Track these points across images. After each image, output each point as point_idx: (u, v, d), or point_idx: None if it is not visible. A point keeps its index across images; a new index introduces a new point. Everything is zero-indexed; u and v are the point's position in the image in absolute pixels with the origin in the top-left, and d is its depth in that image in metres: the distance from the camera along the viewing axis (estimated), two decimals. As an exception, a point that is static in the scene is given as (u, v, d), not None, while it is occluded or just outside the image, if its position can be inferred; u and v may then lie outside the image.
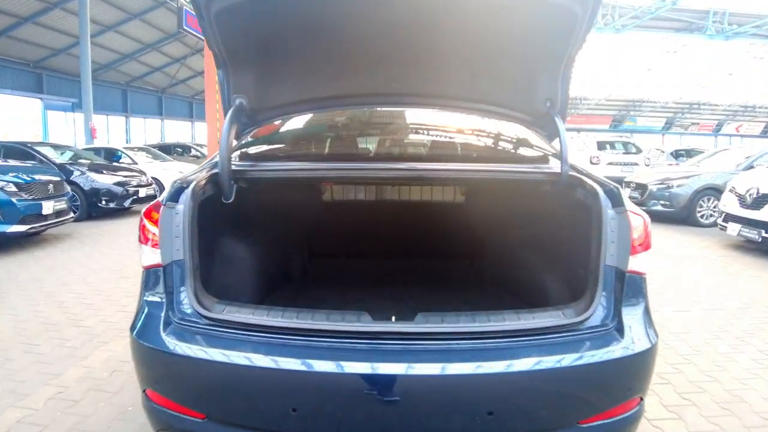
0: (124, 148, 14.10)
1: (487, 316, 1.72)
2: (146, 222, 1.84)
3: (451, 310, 1.85)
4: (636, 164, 15.93)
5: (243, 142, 2.41)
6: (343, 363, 1.55)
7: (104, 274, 5.59)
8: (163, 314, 1.74)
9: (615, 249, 1.78)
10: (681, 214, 9.46)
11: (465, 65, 2.32)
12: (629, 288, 1.77)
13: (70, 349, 3.45)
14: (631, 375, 1.70)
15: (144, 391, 1.79)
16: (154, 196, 10.54)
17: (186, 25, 18.21)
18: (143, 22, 22.99)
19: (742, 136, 39.59)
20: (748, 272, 5.93)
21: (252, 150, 2.42)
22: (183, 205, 1.82)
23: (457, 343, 1.61)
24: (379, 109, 2.90)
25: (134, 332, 1.75)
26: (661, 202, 9.67)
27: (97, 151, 12.75)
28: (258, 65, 2.27)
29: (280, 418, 1.60)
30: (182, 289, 1.78)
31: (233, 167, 2.08)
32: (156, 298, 1.79)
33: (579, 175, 2.02)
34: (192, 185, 1.87)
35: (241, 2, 1.95)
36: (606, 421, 1.67)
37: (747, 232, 6.71)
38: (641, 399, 1.75)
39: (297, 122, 2.86)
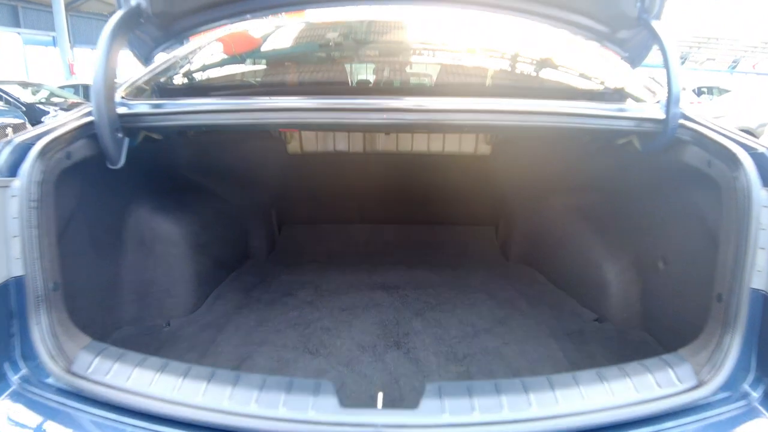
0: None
1: (550, 384, 0.98)
2: None
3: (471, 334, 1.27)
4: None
5: (152, 69, 1.59)
6: None
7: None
8: None
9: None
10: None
11: None
12: None
13: None
14: None
15: None
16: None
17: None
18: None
19: (758, 74, 37.16)
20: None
21: (162, 82, 1.62)
22: (22, 182, 1.06)
23: None
24: (368, 16, 1.99)
25: None
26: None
27: (75, 88, 11.75)
28: None
29: None
30: (24, 326, 1.05)
31: (120, 109, 1.28)
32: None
33: (697, 125, 1.21)
34: (39, 147, 1.10)
35: None
36: None
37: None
38: None
39: (246, 41, 2.01)
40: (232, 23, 1.70)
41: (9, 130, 6.33)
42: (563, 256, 2.07)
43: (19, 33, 20.85)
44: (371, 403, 0.93)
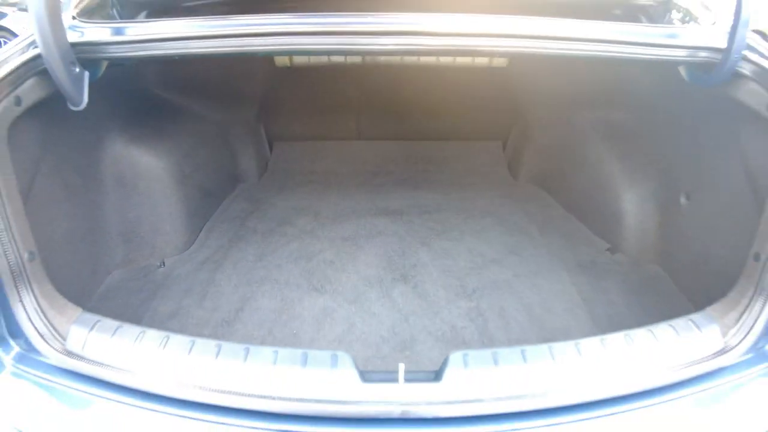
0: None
1: (576, 347, 0.91)
2: None
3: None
4: None
5: None
6: None
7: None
8: None
9: None
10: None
11: None
12: None
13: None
14: None
15: None
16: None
17: None
18: None
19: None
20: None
21: None
22: None
23: (529, 428, 0.84)
24: None
25: None
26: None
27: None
28: None
29: None
30: (4, 304, 0.96)
31: (72, 36, 1.03)
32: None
33: (762, 59, 1.01)
34: None
35: None
36: None
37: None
38: None
39: None
40: None
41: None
42: (578, 179, 1.96)
43: None
44: (392, 376, 0.87)
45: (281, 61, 2.07)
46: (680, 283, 1.47)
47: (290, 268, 1.69)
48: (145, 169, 1.64)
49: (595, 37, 1.03)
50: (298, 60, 2.07)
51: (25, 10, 6.94)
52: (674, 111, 1.49)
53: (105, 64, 1.17)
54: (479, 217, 2.01)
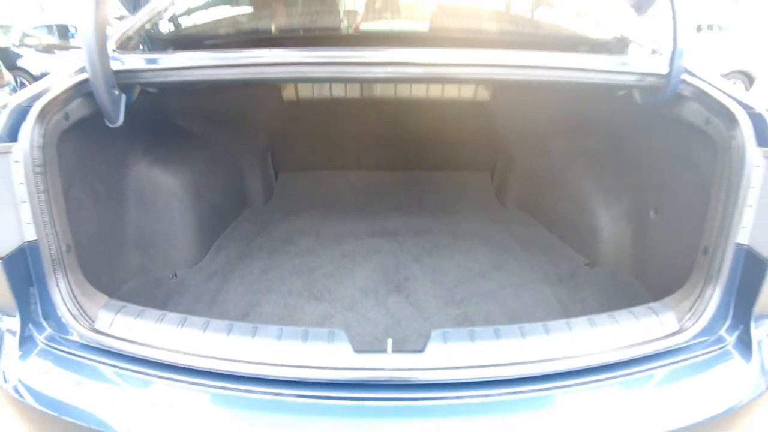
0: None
1: (545, 330, 1.05)
2: None
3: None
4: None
5: (140, 20, 1.53)
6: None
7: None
8: (18, 329, 1.08)
9: (753, 218, 1.06)
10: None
11: None
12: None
13: None
14: (757, 418, 1.08)
15: None
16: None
17: None
18: None
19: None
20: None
21: (153, 31, 1.57)
22: (24, 147, 1.06)
23: (500, 394, 0.97)
24: None
25: None
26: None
27: (49, 28, 11.18)
28: None
29: None
30: (44, 290, 1.09)
31: (115, 65, 1.24)
32: (3, 314, 1.10)
33: (699, 81, 1.21)
34: (37, 109, 1.08)
35: None
36: None
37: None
38: None
39: None
40: None
41: (-15, 75, 6.10)
42: (558, 201, 2.12)
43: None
44: (382, 348, 1.00)
45: (288, 95, 2.27)
46: (652, 289, 1.60)
47: (293, 280, 1.82)
48: (164, 187, 1.80)
49: (563, 66, 1.22)
50: (304, 94, 2.27)
51: (42, 51, 7.30)
52: (638, 135, 1.66)
53: (138, 89, 1.37)
54: (467, 238, 2.16)
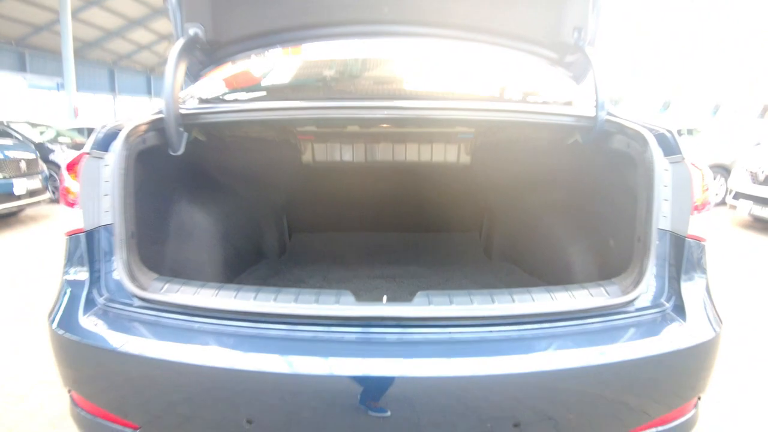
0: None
1: (510, 295, 1.33)
2: (67, 177, 1.43)
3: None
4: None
5: (199, 84, 1.99)
6: (312, 359, 1.17)
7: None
8: (84, 294, 1.35)
9: (670, 208, 1.39)
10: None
11: None
12: (689, 258, 1.38)
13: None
14: (695, 370, 1.32)
15: (69, 391, 1.40)
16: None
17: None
18: (128, -4, 22.16)
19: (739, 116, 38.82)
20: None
21: (209, 94, 1.99)
22: (114, 155, 1.41)
23: (471, 332, 1.22)
24: (369, 54, 2.40)
25: (50, 318, 1.35)
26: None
27: (80, 130, 12.21)
28: None
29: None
30: (111, 261, 1.38)
31: (182, 111, 1.65)
32: (77, 275, 1.39)
33: (619, 119, 1.60)
34: (126, 130, 1.45)
35: None
36: (659, 428, 1.29)
37: (758, 210, 6.37)
38: (698, 398, 1.38)
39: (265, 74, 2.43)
40: (260, 53, 2.13)
41: (23, 164, 6.69)
42: (535, 248, 2.41)
43: (24, 77, 21.54)
44: (378, 299, 1.28)
45: (307, 158, 2.69)
46: None
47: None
48: (199, 223, 2.12)
49: (526, 110, 1.62)
50: (319, 157, 2.69)
51: (72, 148, 8.02)
52: (589, 177, 2.01)
53: (195, 130, 1.76)
54: (457, 279, 2.45)
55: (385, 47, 2.26)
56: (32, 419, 2.19)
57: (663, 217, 1.38)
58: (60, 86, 22.41)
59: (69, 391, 1.41)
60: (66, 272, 1.41)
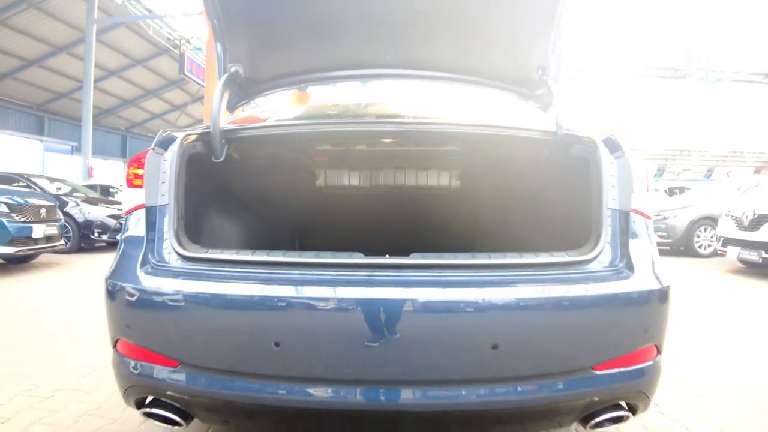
0: (120, 186, 14.13)
1: (488, 255, 1.63)
2: (131, 169, 1.79)
3: None
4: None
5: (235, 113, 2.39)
6: (330, 290, 1.46)
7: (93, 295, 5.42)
8: (141, 254, 1.66)
9: (617, 192, 1.72)
10: (678, 245, 9.43)
11: (455, 34, 2.35)
12: (635, 228, 1.71)
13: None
14: (646, 314, 1.60)
15: (114, 346, 1.66)
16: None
17: (186, 71, 18.86)
18: (146, 68, 23.63)
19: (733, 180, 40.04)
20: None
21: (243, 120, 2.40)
22: (171, 153, 1.77)
23: (456, 275, 1.53)
24: (375, 90, 2.84)
25: (108, 277, 1.64)
26: (658, 233, 9.64)
27: (93, 187, 12.78)
28: (254, 34, 2.31)
29: (262, 355, 1.48)
30: (164, 231, 1.69)
31: (224, 127, 2.03)
32: (135, 242, 1.70)
33: (576, 133, 1.96)
34: (181, 136, 1.82)
35: None
36: (623, 369, 1.55)
37: (747, 254, 6.66)
38: (658, 351, 1.64)
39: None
40: (287, 90, 2.57)
41: (42, 210, 7.07)
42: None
43: (41, 140, 22.53)
44: (383, 255, 1.60)
45: (320, 182, 3.06)
46: None
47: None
48: (227, 232, 2.44)
49: (500, 125, 2.00)
50: (330, 182, 3.06)
51: (85, 202, 8.43)
52: (560, 185, 2.29)
53: (233, 146, 2.13)
54: None
55: (387, 85, 2.71)
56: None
57: (612, 199, 1.72)
58: (74, 150, 23.45)
59: (114, 345, 1.66)
60: (123, 241, 1.73)
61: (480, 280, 1.51)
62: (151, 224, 1.70)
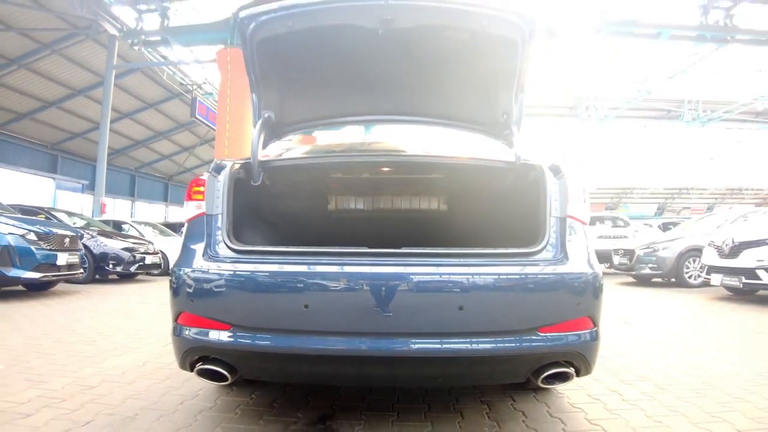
0: (132, 222, 14.69)
1: (465, 248, 2.14)
2: (192, 188, 2.32)
3: None
4: (625, 237, 16.52)
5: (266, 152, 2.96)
6: (345, 267, 1.98)
7: (114, 317, 5.82)
8: (202, 248, 2.16)
9: (558, 204, 2.25)
10: (669, 276, 9.82)
11: (439, 90, 2.99)
12: (571, 230, 2.22)
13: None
14: (579, 291, 2.08)
15: (176, 319, 2.11)
16: (159, 265, 10.98)
17: (197, 114, 19.78)
18: (158, 111, 24.73)
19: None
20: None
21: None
22: (223, 176, 2.29)
23: (435, 259, 2.05)
24: (377, 131, 3.46)
25: (173, 267, 2.12)
26: (649, 265, 10.06)
27: (106, 223, 13.32)
28: (284, 88, 2.91)
29: (294, 314, 1.95)
30: (218, 233, 2.19)
31: (260, 159, 2.59)
32: (196, 239, 2.21)
33: (532, 162, 2.50)
34: (230, 164, 2.37)
35: (278, 35, 2.54)
36: (562, 333, 2.01)
37: (729, 280, 7.06)
38: (594, 325, 2.09)
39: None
40: (312, 132, 3.16)
41: (66, 240, 7.56)
42: None
43: (54, 179, 23.23)
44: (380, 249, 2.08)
45: (332, 207, 3.60)
46: None
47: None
48: (257, 239, 2.93)
49: (474, 157, 2.54)
50: (340, 206, 3.60)
51: (98, 235, 8.88)
52: (525, 200, 2.76)
53: (267, 173, 2.66)
54: None
55: (386, 128, 3.31)
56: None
57: (555, 209, 2.24)
58: (84, 188, 24.18)
59: (176, 318, 2.12)
60: (187, 241, 2.24)
61: (452, 264, 2.03)
62: (210, 226, 2.21)
